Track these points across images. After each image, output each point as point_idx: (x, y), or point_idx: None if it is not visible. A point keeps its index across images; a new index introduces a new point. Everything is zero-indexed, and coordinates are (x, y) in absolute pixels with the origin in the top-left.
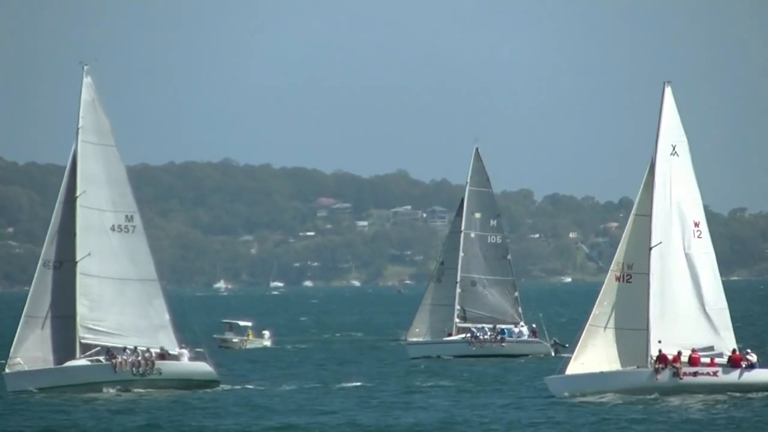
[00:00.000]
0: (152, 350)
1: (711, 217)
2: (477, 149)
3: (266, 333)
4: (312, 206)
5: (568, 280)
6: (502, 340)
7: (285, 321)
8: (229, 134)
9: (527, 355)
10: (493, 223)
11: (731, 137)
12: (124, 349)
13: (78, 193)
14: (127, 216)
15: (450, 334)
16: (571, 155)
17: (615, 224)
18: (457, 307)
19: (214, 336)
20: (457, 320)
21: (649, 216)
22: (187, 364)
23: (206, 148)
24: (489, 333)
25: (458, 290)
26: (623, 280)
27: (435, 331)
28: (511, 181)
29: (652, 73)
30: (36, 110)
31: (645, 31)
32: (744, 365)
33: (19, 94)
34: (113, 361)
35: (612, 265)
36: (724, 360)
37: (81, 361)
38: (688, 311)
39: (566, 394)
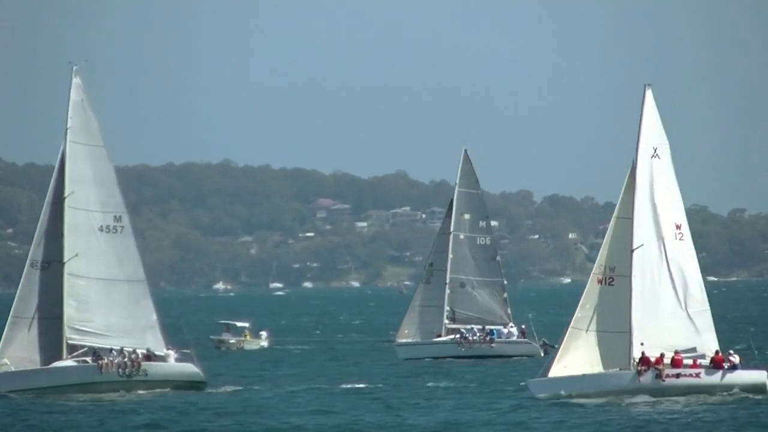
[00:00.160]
0: (138, 351)
1: (710, 217)
2: (466, 151)
3: (263, 333)
4: (311, 207)
5: (568, 280)
6: (491, 340)
7: (289, 322)
8: (228, 135)
9: (517, 356)
10: (482, 224)
11: (731, 138)
12: (111, 350)
13: (66, 194)
14: (115, 216)
15: (439, 335)
16: (570, 156)
17: None
18: (447, 308)
19: (211, 337)
20: (446, 321)
21: (631, 219)
22: (174, 365)
23: (206, 149)
24: (478, 334)
25: (447, 291)
26: (605, 283)
27: (424, 333)
28: (510, 182)
29: (652, 73)
30: (35, 111)
31: (645, 31)
32: (727, 366)
33: (19, 95)
34: (99, 362)
35: (594, 268)
36: (706, 361)
37: (67, 362)
38: (670, 313)
39: (548, 396)
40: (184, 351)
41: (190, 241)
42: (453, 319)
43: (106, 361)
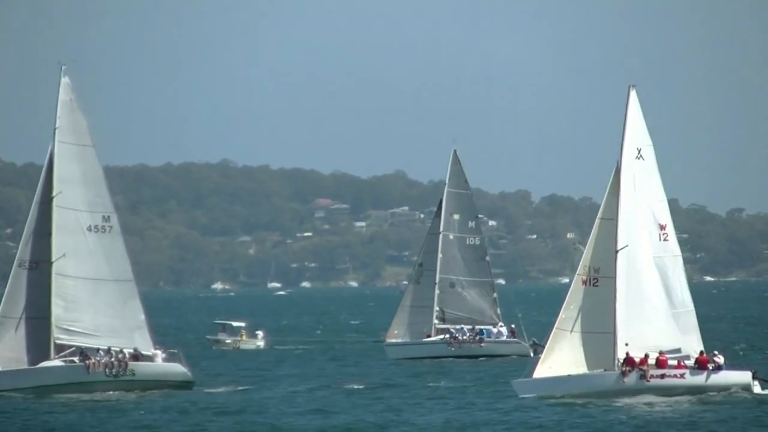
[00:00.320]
0: (125, 351)
1: (709, 217)
2: (455, 151)
3: (259, 333)
4: (310, 207)
5: (566, 280)
6: (481, 340)
7: (290, 321)
8: (227, 135)
9: (506, 356)
10: (471, 224)
11: (729, 138)
12: (98, 350)
13: (54, 194)
14: (104, 216)
15: (429, 336)
16: (568, 156)
17: None
18: (436, 308)
19: (208, 337)
20: (435, 321)
21: (615, 219)
22: (161, 365)
23: (204, 148)
24: (468, 334)
25: (437, 291)
26: (590, 284)
27: (414, 333)
28: (508, 181)
29: (652, 72)
30: (35, 111)
31: (646, 31)
32: (711, 367)
33: (18, 95)
34: (86, 362)
35: (578, 269)
36: (691, 362)
37: (55, 362)
38: (654, 314)
39: (533, 397)
40: (172, 351)
41: (188, 241)
42: (443, 320)
43: (93, 361)
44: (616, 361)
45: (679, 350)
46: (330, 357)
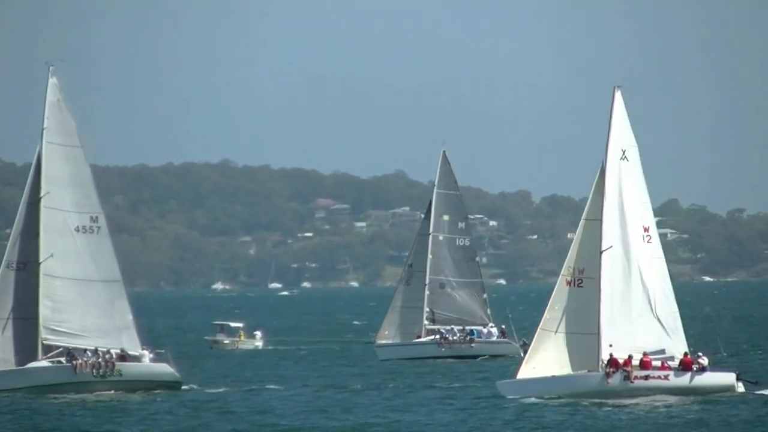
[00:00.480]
0: (113, 351)
1: (709, 218)
2: (444, 152)
3: (258, 334)
4: (310, 207)
5: None
6: (471, 341)
7: (298, 322)
8: (227, 135)
9: (497, 356)
10: (461, 225)
11: (730, 138)
12: (85, 350)
13: (42, 194)
14: (92, 217)
15: (419, 337)
16: (568, 156)
17: None
18: (426, 309)
19: (206, 338)
20: (426, 322)
21: (600, 220)
22: (148, 365)
23: (205, 149)
24: (458, 334)
25: (427, 292)
26: (574, 285)
27: (404, 334)
28: (509, 182)
29: (652, 72)
30: (35, 111)
31: (646, 30)
32: (695, 368)
33: (18, 95)
34: (74, 362)
35: (563, 270)
36: (675, 363)
37: (42, 363)
38: (638, 315)
39: (517, 397)
40: (159, 351)
41: (189, 241)
42: (433, 320)
43: (80, 361)
44: (600, 362)
45: (663, 351)
46: (331, 356)
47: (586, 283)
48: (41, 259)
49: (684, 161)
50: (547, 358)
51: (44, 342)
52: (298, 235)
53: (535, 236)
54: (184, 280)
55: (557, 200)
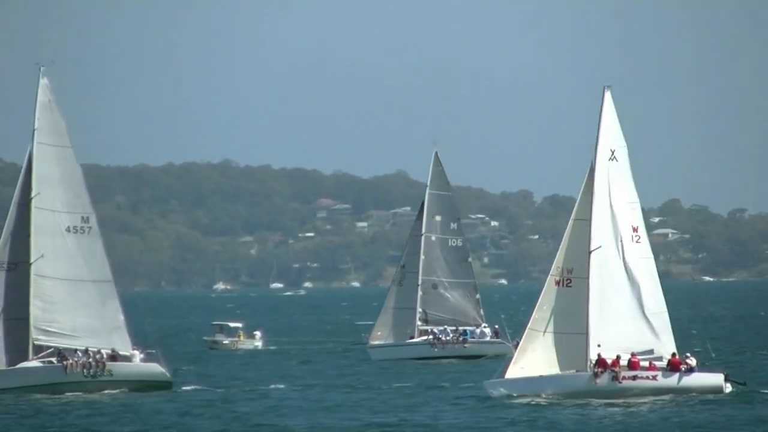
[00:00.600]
0: (103, 351)
1: (711, 218)
2: (436, 153)
3: (257, 334)
4: (311, 207)
5: None
6: (465, 341)
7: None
8: (228, 135)
9: (490, 356)
10: (453, 226)
11: (732, 138)
12: (75, 350)
13: (33, 195)
14: (83, 217)
15: (412, 337)
16: (570, 156)
17: None
18: (419, 309)
19: (204, 338)
20: (418, 323)
21: (589, 220)
22: (139, 365)
23: (206, 148)
24: (451, 335)
25: (420, 293)
26: (563, 285)
27: (397, 335)
28: (510, 182)
29: (653, 72)
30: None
31: (647, 30)
32: (683, 369)
33: (19, 94)
34: (64, 362)
35: (551, 270)
36: (663, 363)
37: (33, 363)
38: (627, 315)
39: (505, 397)
40: (150, 351)
41: (190, 241)
42: (426, 321)
43: (71, 361)
44: (589, 363)
45: (651, 352)
46: (333, 356)
47: (575, 283)
48: (32, 260)
49: (685, 161)
50: (535, 358)
51: (35, 342)
52: (300, 235)
53: (537, 236)
54: (185, 281)
55: (559, 200)
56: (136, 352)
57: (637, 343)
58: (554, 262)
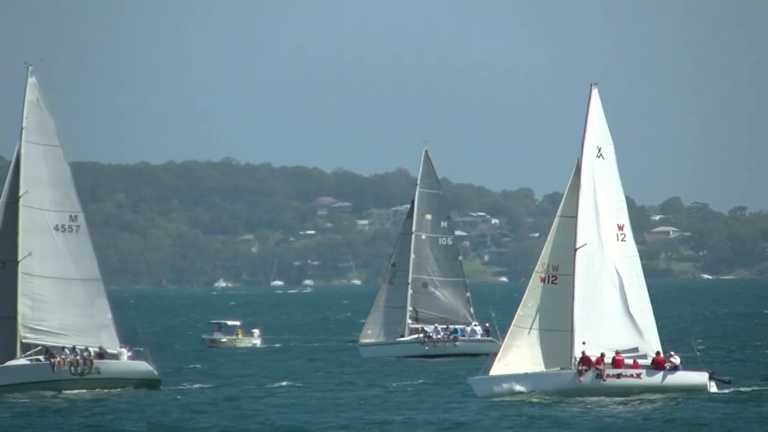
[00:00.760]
0: (91, 349)
1: (711, 216)
2: (426, 151)
3: (255, 332)
4: (312, 205)
5: None
6: (455, 339)
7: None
8: (229, 133)
9: (482, 355)
10: (443, 224)
11: (732, 137)
12: (63, 348)
13: (21, 193)
14: (71, 216)
15: (402, 335)
16: (570, 154)
17: None
18: (410, 308)
19: (203, 336)
20: (409, 321)
21: (575, 218)
22: (127, 363)
23: (206, 147)
24: (442, 333)
25: (410, 291)
26: (548, 282)
27: (388, 333)
28: (511, 180)
29: (653, 72)
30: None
31: (648, 29)
32: (668, 367)
33: (19, 94)
34: (52, 360)
35: (537, 267)
36: (648, 361)
37: (21, 361)
38: (612, 313)
39: (490, 394)
40: (138, 349)
41: (191, 240)
42: (416, 319)
43: (58, 359)
44: (573, 360)
45: (636, 350)
46: (335, 356)
47: (561, 280)
48: (20, 258)
49: (686, 160)
50: (519, 356)
51: (23, 340)
52: (300, 233)
53: (538, 234)
54: (186, 279)
55: (559, 198)
56: (124, 350)
57: (622, 341)
58: (539, 259)
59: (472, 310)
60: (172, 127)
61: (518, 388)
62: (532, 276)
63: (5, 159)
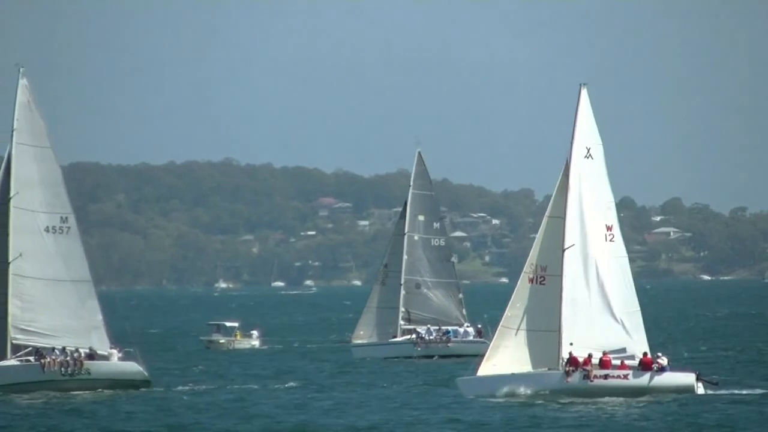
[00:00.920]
0: (81, 350)
1: (712, 216)
2: (419, 152)
3: (254, 333)
4: (313, 206)
5: None
6: (448, 340)
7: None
8: (229, 134)
9: (474, 356)
10: (436, 225)
11: (733, 137)
12: (53, 349)
13: (11, 195)
14: (62, 217)
15: (394, 336)
16: None
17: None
18: (402, 309)
19: (201, 338)
20: (401, 322)
21: (563, 218)
22: (117, 363)
23: (207, 147)
24: (434, 334)
25: (402, 292)
26: (536, 282)
27: (380, 334)
28: (511, 180)
29: (653, 71)
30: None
31: (649, 29)
32: (655, 368)
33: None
34: (42, 361)
35: (525, 267)
36: (635, 362)
37: (11, 362)
38: (599, 314)
39: (477, 394)
40: (128, 350)
41: (191, 240)
42: (408, 320)
43: (48, 360)
44: (560, 361)
45: (623, 350)
46: (336, 355)
47: (549, 280)
48: (10, 259)
49: (686, 160)
50: (507, 356)
51: (13, 341)
52: (301, 233)
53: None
54: (187, 279)
55: None
56: (114, 351)
57: (609, 342)
58: (528, 260)
59: (464, 311)
60: (172, 127)
61: (505, 388)
62: (520, 276)
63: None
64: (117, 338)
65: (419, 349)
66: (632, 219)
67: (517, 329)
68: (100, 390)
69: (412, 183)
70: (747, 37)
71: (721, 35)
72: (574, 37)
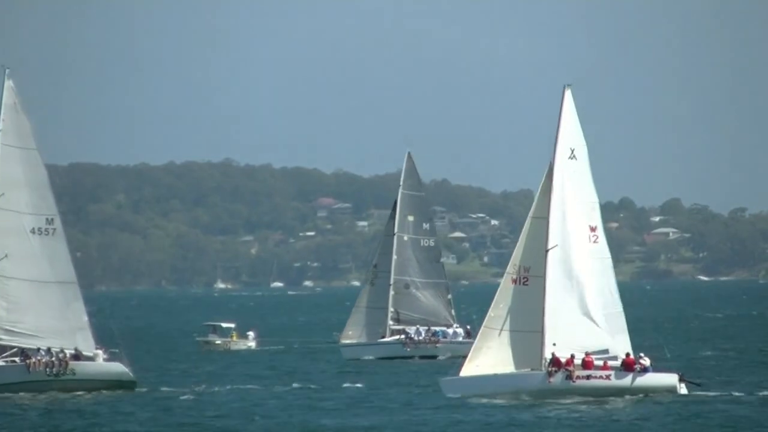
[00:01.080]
0: (66, 351)
1: (711, 217)
2: (409, 153)
3: (250, 334)
4: (312, 206)
5: None
6: (437, 341)
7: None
8: (229, 134)
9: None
10: (425, 226)
11: (732, 138)
12: (38, 349)
13: None
14: (47, 219)
15: (383, 337)
16: None
17: (615, 224)
18: (391, 309)
19: (197, 339)
20: (390, 323)
21: (547, 219)
22: (102, 364)
23: (206, 148)
24: (423, 334)
25: (392, 293)
26: (519, 283)
27: (369, 334)
28: (511, 180)
29: (652, 71)
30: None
31: (648, 29)
32: (637, 369)
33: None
34: (27, 361)
35: (508, 268)
36: (618, 363)
37: None
38: (582, 315)
39: (459, 395)
40: (113, 350)
41: (190, 240)
42: (397, 321)
43: (33, 360)
44: (543, 361)
45: (606, 351)
46: (335, 355)
47: (532, 281)
48: None
49: (686, 161)
50: (490, 357)
51: None
52: (300, 234)
53: None
54: (186, 279)
55: None
56: (99, 352)
57: (592, 343)
58: (511, 260)
59: (453, 312)
60: (172, 127)
61: (488, 389)
62: (504, 277)
63: None
64: (102, 339)
65: (408, 349)
66: (631, 219)
67: (500, 330)
68: (80, 393)
69: (401, 183)
70: (747, 37)
71: (722, 35)
72: (575, 36)
